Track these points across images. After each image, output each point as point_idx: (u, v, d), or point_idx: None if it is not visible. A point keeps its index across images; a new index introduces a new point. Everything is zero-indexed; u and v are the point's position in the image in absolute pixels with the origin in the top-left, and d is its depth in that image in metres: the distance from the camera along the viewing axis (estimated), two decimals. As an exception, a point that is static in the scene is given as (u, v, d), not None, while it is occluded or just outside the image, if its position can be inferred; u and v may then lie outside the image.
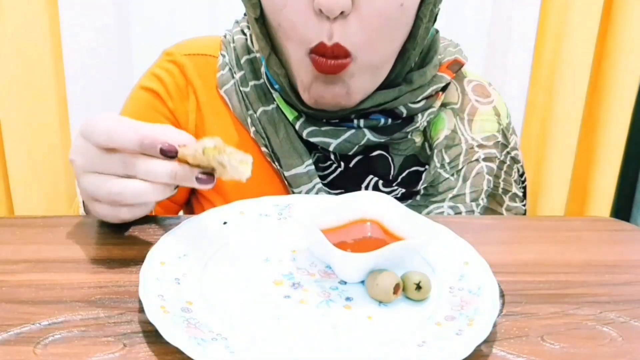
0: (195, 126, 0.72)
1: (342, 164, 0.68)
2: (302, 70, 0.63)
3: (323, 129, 0.66)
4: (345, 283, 0.46)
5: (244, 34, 0.73)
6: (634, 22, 1.34)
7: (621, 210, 1.52)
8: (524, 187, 0.76)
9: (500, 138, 0.74)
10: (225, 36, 0.75)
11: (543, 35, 1.40)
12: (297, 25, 0.60)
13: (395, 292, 0.44)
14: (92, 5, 1.26)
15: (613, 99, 1.40)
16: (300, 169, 0.67)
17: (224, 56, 0.73)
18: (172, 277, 0.44)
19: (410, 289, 0.45)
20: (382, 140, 0.67)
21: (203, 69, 0.73)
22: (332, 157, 0.68)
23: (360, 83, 0.63)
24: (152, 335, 0.39)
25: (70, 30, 1.25)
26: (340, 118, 0.67)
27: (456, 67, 0.73)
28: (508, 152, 0.75)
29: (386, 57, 0.64)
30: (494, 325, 0.41)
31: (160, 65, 0.75)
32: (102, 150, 0.48)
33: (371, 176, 0.68)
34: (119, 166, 0.48)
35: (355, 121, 0.67)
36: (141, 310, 0.40)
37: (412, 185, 0.69)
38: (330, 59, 0.60)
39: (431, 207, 0.69)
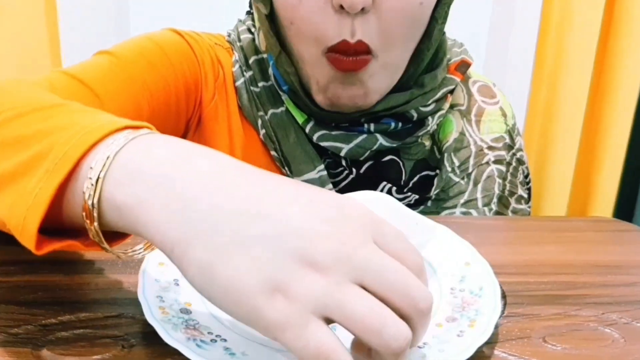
0: (208, 112, 0.69)
1: (354, 170, 0.67)
2: (318, 71, 0.61)
3: (334, 133, 0.65)
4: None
5: (251, 32, 0.71)
6: (637, 21, 1.33)
7: (623, 210, 1.51)
8: (529, 189, 0.76)
9: (507, 139, 0.74)
10: (229, 35, 0.73)
11: (545, 34, 1.40)
12: (315, 23, 0.58)
13: None
14: (91, 5, 1.26)
15: (615, 98, 1.39)
16: (312, 175, 0.66)
17: (234, 54, 0.71)
18: (171, 278, 0.44)
19: None
20: (394, 145, 0.67)
21: (224, 59, 0.71)
22: (343, 162, 0.67)
23: (378, 83, 0.62)
24: (150, 337, 0.38)
25: (69, 29, 1.24)
26: (350, 122, 0.66)
27: (464, 68, 0.72)
28: (514, 154, 0.74)
29: (404, 57, 0.63)
30: (496, 327, 0.41)
31: (188, 32, 0.71)
32: (388, 257, 0.32)
33: (384, 183, 0.67)
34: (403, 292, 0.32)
35: (366, 125, 0.66)
36: (140, 311, 0.39)
37: (424, 191, 0.68)
38: (352, 56, 0.59)
39: (443, 213, 0.69)
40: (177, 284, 0.44)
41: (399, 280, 0.31)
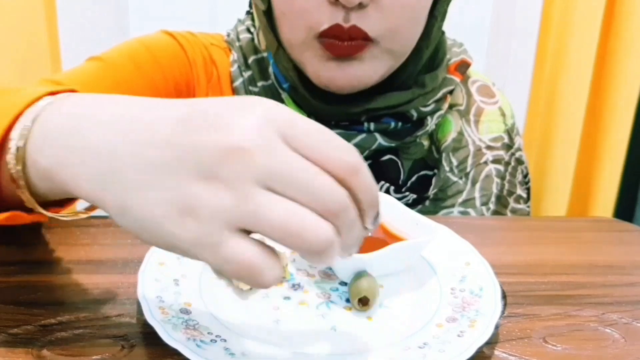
0: None
1: None
2: (309, 54, 0.61)
3: (334, 131, 0.65)
4: (346, 284, 0.46)
5: (250, 32, 0.71)
6: (637, 21, 1.33)
7: (624, 210, 1.51)
8: (528, 188, 0.76)
9: (506, 139, 0.74)
10: (228, 35, 0.73)
11: (545, 34, 1.40)
12: (309, 12, 0.58)
13: (363, 304, 0.43)
14: (91, 5, 1.26)
15: (616, 98, 1.39)
16: None
17: (233, 55, 0.71)
18: (170, 278, 0.44)
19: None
20: (393, 145, 0.67)
21: (220, 59, 0.71)
22: None
23: (378, 65, 0.61)
24: (150, 337, 0.38)
25: (69, 29, 1.24)
26: (351, 120, 0.66)
27: (464, 68, 0.72)
28: (513, 154, 0.74)
29: (407, 48, 0.63)
30: (496, 327, 0.41)
31: (182, 33, 0.71)
32: (295, 157, 0.31)
33: (382, 182, 0.67)
34: (324, 194, 0.30)
35: (366, 124, 0.66)
36: (139, 311, 0.39)
37: (422, 190, 0.68)
38: (347, 40, 0.58)
39: (441, 212, 0.69)
40: (177, 284, 0.44)
41: (305, 180, 0.30)
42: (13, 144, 0.36)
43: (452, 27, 0.76)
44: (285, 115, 0.32)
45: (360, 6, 0.56)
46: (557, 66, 1.39)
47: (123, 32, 1.31)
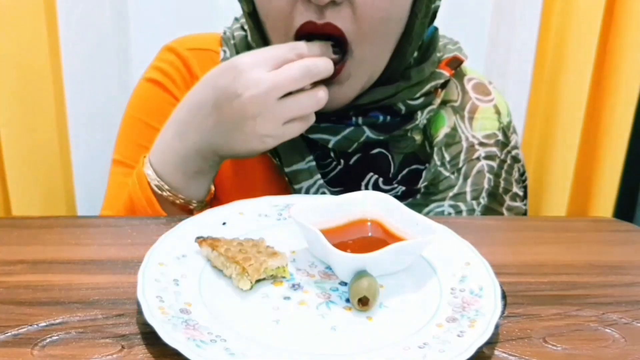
0: None
1: (342, 161, 0.68)
2: None
3: (322, 125, 0.66)
4: (346, 284, 0.46)
5: (244, 30, 0.73)
6: (637, 20, 1.33)
7: (623, 210, 1.51)
8: (525, 187, 0.76)
9: (500, 137, 0.74)
10: (224, 33, 0.75)
11: (545, 34, 1.40)
12: (285, 13, 0.59)
13: (363, 304, 0.43)
14: (91, 5, 1.26)
15: (616, 97, 1.39)
16: (301, 165, 0.67)
17: (224, 52, 0.72)
18: (170, 278, 0.44)
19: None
20: (381, 138, 0.67)
21: (205, 63, 0.72)
22: (332, 154, 0.68)
23: (355, 82, 0.63)
24: (150, 337, 0.38)
25: (69, 29, 1.24)
26: (339, 115, 0.67)
27: (455, 63, 0.72)
28: (509, 151, 0.74)
29: (382, 52, 0.64)
30: (496, 327, 0.41)
31: (162, 58, 0.75)
32: (273, 76, 0.55)
33: (371, 174, 0.68)
34: (302, 72, 0.56)
35: (354, 118, 0.67)
36: (139, 311, 0.39)
37: (412, 183, 0.69)
38: (321, 39, 0.59)
39: (431, 205, 0.69)
40: (177, 284, 0.44)
41: (286, 81, 0.56)
42: (165, 191, 0.61)
43: (452, 28, 0.76)
44: (249, 59, 0.57)
45: (334, 4, 0.58)
46: (557, 66, 1.39)
47: (123, 32, 1.31)
